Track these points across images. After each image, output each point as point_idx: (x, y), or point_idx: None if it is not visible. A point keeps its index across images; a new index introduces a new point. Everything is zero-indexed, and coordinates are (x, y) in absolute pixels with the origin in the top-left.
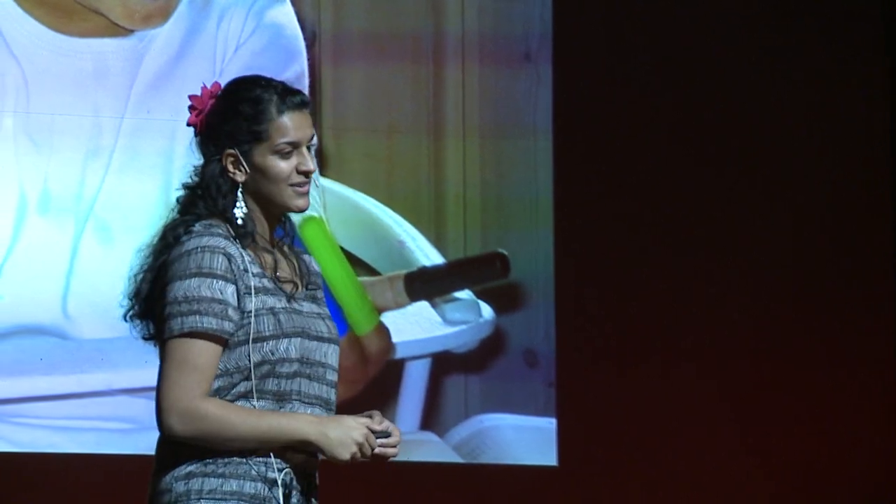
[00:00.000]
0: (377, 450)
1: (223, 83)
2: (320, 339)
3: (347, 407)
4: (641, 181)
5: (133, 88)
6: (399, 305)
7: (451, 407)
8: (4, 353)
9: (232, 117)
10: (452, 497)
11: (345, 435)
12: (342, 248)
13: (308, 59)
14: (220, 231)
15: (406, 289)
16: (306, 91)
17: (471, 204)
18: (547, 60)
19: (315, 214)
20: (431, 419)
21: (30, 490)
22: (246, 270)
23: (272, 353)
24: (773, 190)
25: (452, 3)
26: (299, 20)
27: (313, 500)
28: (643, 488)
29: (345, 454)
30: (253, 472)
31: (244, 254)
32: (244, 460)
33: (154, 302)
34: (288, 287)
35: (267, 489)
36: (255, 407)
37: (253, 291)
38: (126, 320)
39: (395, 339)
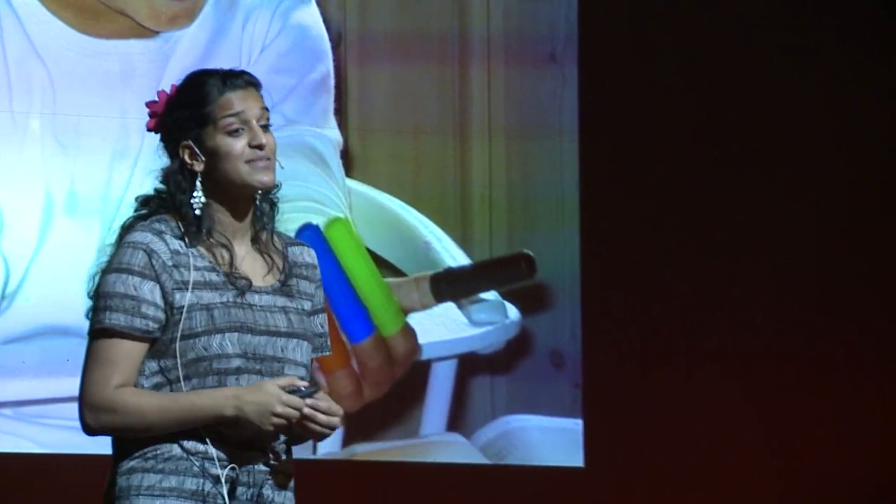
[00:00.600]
0: (306, 410)
1: None
2: (273, 333)
3: (374, 408)
4: (666, 182)
5: (159, 89)
6: (425, 307)
7: (477, 408)
8: (30, 354)
9: (179, 109)
10: (479, 498)
11: (261, 407)
12: (368, 250)
13: (334, 60)
14: (161, 226)
15: (432, 290)
16: (332, 92)
17: (496, 205)
18: (572, 61)
19: (341, 215)
20: (458, 420)
21: (55, 491)
22: (177, 266)
23: (205, 350)
24: (797, 191)
25: (478, 3)
26: (325, 21)
27: (267, 490)
28: (669, 489)
29: (266, 424)
30: (195, 469)
31: (189, 249)
32: (186, 456)
33: None
34: (241, 282)
35: (210, 485)
36: None
37: (190, 287)
38: (87, 318)
39: (421, 340)
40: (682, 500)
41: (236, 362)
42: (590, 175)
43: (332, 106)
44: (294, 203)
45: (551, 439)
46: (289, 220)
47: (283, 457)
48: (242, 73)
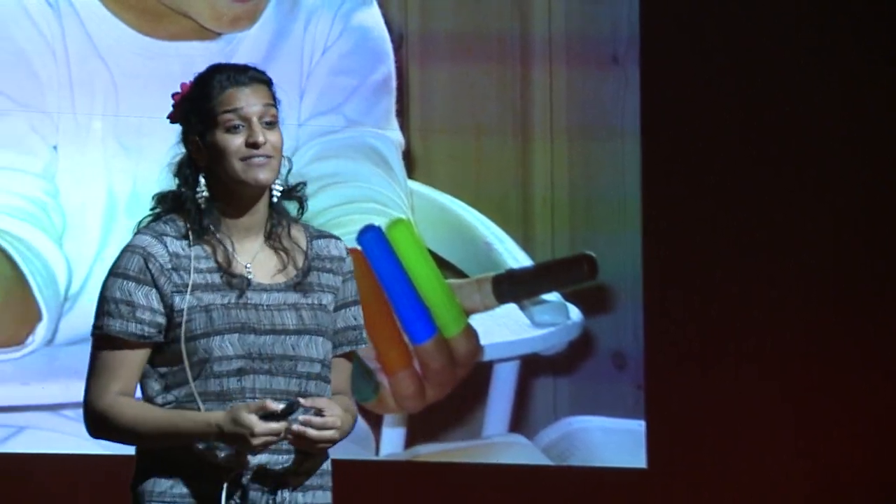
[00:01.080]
0: (295, 428)
1: (308, 86)
2: (280, 331)
3: (436, 409)
4: (728, 183)
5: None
6: (487, 308)
7: (539, 409)
8: None
9: (188, 104)
10: (541, 500)
11: (238, 438)
12: (430, 251)
13: (395, 61)
14: (166, 228)
15: (494, 291)
16: (394, 93)
17: (558, 206)
18: (634, 63)
19: (403, 217)
20: (520, 422)
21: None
22: (176, 269)
23: (206, 352)
24: (862, 192)
25: (539, 4)
26: (386, 22)
27: (286, 493)
28: (733, 490)
29: (249, 450)
30: (205, 473)
31: (192, 250)
32: (196, 461)
33: None
34: (238, 281)
35: (220, 491)
36: (200, 410)
37: (189, 289)
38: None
39: (483, 341)
40: (745, 501)
41: (237, 363)
42: (651, 176)
43: (393, 107)
44: (356, 204)
45: (614, 440)
46: (351, 222)
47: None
48: (249, 68)
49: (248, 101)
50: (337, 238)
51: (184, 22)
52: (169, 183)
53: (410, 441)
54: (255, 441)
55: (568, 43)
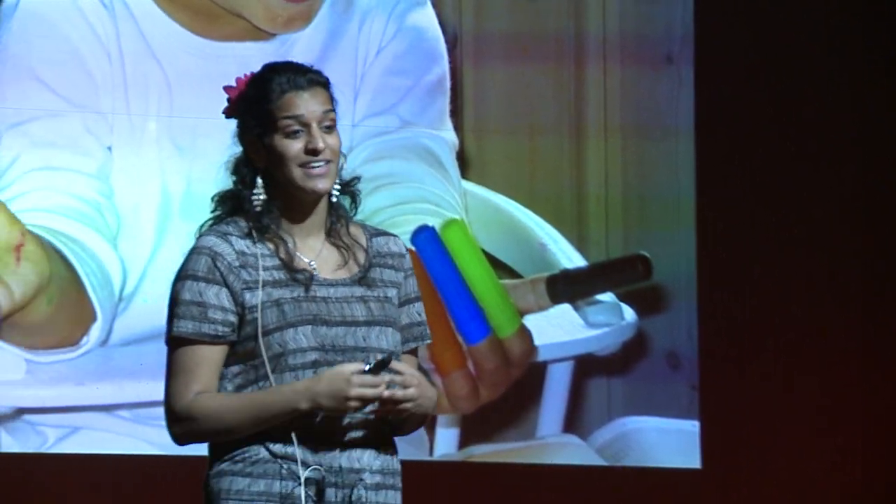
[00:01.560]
0: (385, 394)
1: (362, 86)
2: (351, 323)
3: (490, 410)
4: (782, 181)
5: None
6: (541, 308)
7: (593, 410)
8: (148, 355)
9: (248, 103)
10: (595, 500)
11: (334, 394)
12: (484, 251)
13: (449, 62)
14: (229, 228)
15: (548, 291)
16: (448, 94)
17: (612, 206)
18: (689, 62)
19: (457, 217)
20: (574, 422)
21: (174, 492)
22: (244, 266)
23: (280, 346)
24: None
25: (594, 4)
26: (440, 22)
27: (361, 490)
28: (787, 491)
29: (344, 409)
30: (282, 471)
31: (257, 248)
32: (272, 459)
33: None
34: (303, 275)
35: (298, 488)
36: None
37: (260, 285)
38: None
39: (537, 341)
40: (797, 500)
41: (312, 356)
42: (705, 175)
43: (447, 107)
44: (410, 204)
45: (668, 441)
46: (405, 222)
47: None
48: (308, 70)
49: (308, 106)
50: (395, 235)
51: (238, 23)
52: (226, 181)
53: (464, 442)
54: (352, 392)
55: (622, 42)
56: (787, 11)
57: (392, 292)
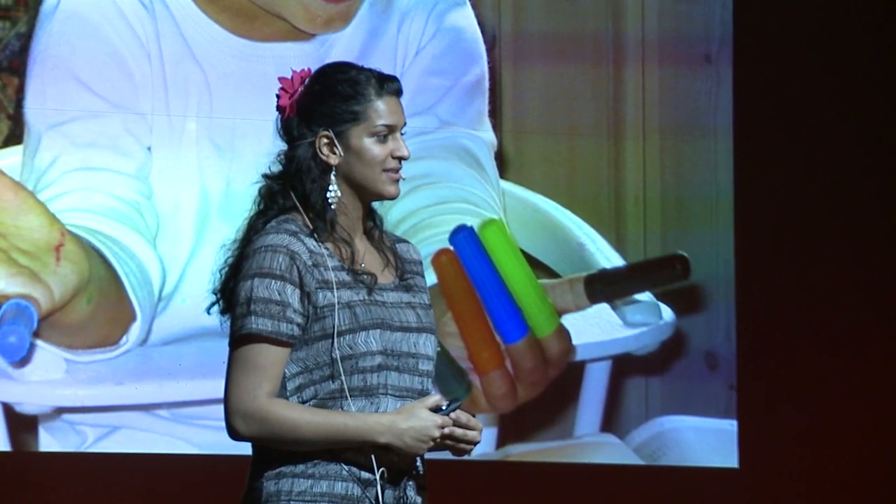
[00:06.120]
0: (457, 432)
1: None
2: (406, 328)
3: (528, 409)
4: (821, 182)
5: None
6: (579, 308)
7: (631, 409)
8: (188, 355)
9: (329, 98)
10: (633, 499)
11: (420, 434)
12: (522, 251)
13: (488, 62)
14: (293, 227)
15: (586, 291)
16: (486, 94)
17: (651, 205)
18: (727, 62)
19: (495, 217)
20: (612, 421)
21: (211, 491)
22: (316, 266)
23: (350, 348)
24: None
25: (632, 5)
26: (479, 23)
27: (410, 492)
28: (825, 490)
29: (421, 450)
30: (344, 473)
31: (321, 248)
32: (334, 461)
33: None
34: (367, 278)
35: (360, 490)
36: (345, 407)
37: (332, 286)
38: (209, 313)
39: (575, 341)
40: (836, 499)
41: (378, 359)
42: (744, 175)
43: (486, 108)
44: (449, 205)
45: (706, 440)
46: (444, 222)
47: (421, 469)
48: (394, 78)
49: (398, 115)
50: (411, 243)
51: (278, 23)
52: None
53: (502, 441)
54: (436, 433)
55: (661, 42)
56: (826, 10)
57: (427, 298)
